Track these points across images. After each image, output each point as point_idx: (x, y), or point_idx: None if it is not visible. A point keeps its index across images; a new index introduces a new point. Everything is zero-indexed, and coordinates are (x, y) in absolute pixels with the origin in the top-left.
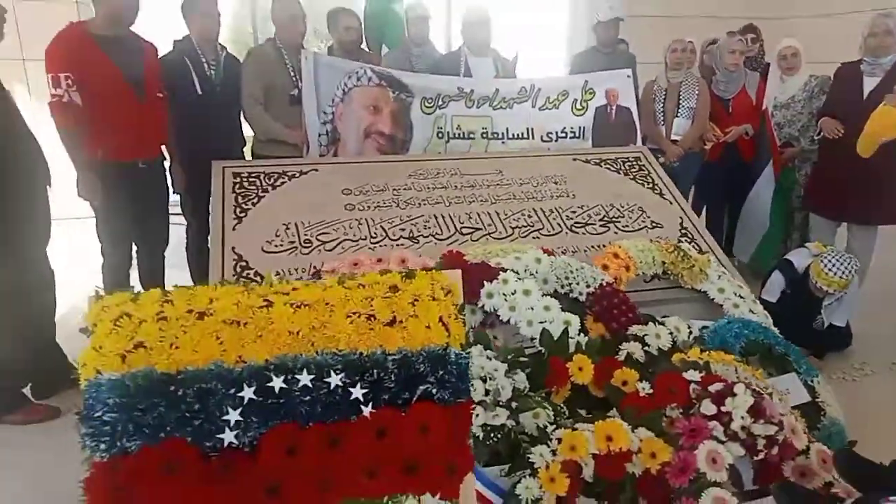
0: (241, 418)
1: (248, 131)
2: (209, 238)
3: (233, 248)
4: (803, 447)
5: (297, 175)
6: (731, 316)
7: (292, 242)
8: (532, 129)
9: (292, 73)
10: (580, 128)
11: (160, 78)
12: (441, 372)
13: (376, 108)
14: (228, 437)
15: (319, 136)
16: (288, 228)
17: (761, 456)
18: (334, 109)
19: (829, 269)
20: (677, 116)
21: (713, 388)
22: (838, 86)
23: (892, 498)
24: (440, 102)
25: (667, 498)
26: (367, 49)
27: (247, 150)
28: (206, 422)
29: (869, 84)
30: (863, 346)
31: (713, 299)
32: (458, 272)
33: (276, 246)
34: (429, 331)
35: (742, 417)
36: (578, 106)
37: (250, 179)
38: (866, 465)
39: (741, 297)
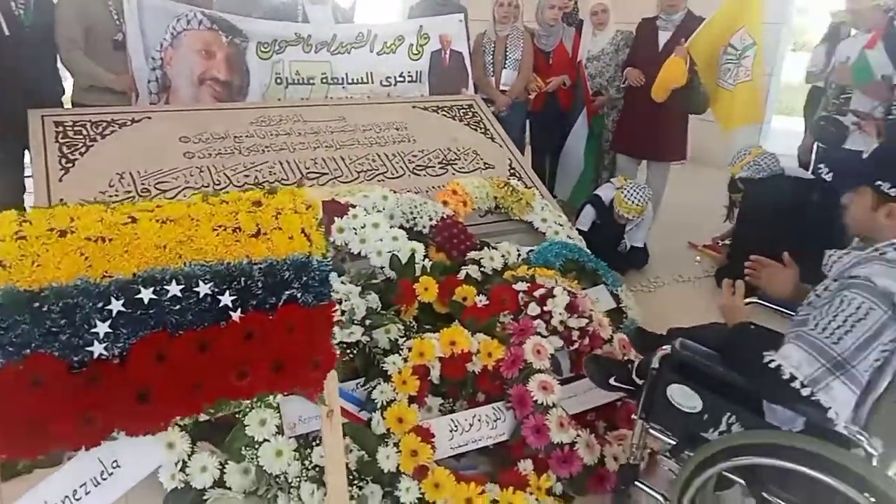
0: (110, 330)
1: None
2: (31, 192)
3: (61, 200)
4: (608, 337)
5: (129, 123)
6: (552, 240)
7: (128, 192)
8: (371, 74)
9: (115, 16)
10: (417, 72)
11: None
12: (305, 278)
13: (209, 52)
14: (98, 349)
15: (149, 82)
16: (123, 178)
17: (576, 346)
18: (163, 54)
19: (628, 198)
20: (505, 68)
21: (537, 293)
22: (638, 39)
23: (664, 347)
24: (277, 48)
25: (500, 389)
26: None
27: (66, 99)
28: (73, 336)
29: (663, 38)
30: (657, 264)
31: (537, 228)
32: (318, 191)
33: (110, 196)
34: (292, 241)
35: (560, 314)
36: (414, 51)
37: (75, 128)
38: (650, 335)
39: (560, 225)
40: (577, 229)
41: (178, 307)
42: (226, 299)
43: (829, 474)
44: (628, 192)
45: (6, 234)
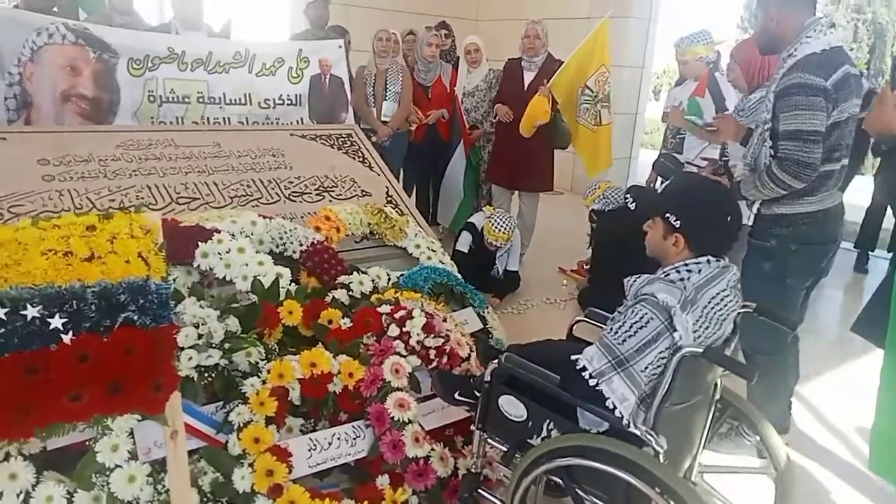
0: None
1: None
2: None
3: None
4: (466, 355)
5: None
6: (423, 265)
7: None
8: (250, 95)
9: None
10: (297, 95)
11: None
12: (142, 301)
13: (74, 68)
14: None
15: (6, 99)
16: None
17: (434, 364)
18: (21, 70)
19: (495, 226)
20: (385, 99)
21: (398, 314)
22: (506, 78)
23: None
24: (150, 64)
25: (361, 407)
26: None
27: None
28: None
29: (528, 77)
30: (529, 287)
31: (411, 254)
32: (158, 214)
33: None
34: (128, 265)
35: (418, 334)
36: (294, 74)
37: None
38: (493, 351)
39: (433, 251)
40: (459, 251)
41: (3, 330)
42: (56, 322)
43: (626, 471)
44: (495, 220)
45: None
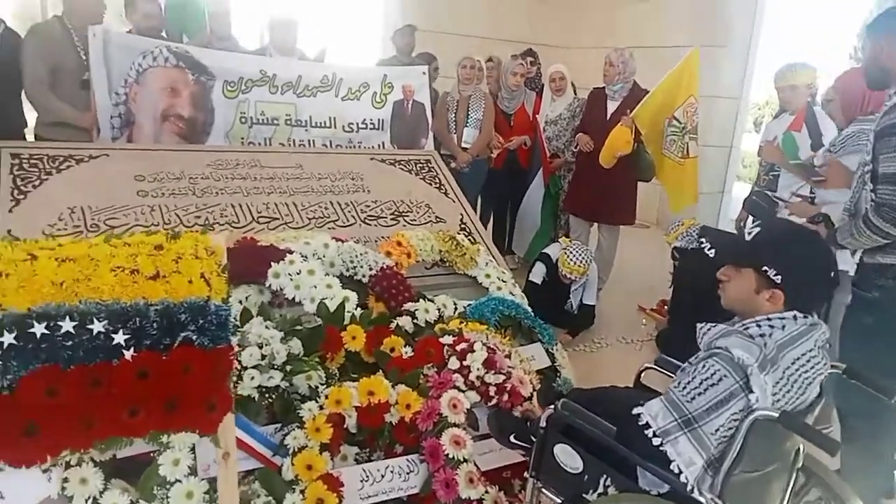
0: (0, 362)
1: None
2: None
3: (9, 231)
4: (528, 395)
5: (86, 159)
6: (492, 295)
7: (77, 226)
8: (335, 119)
9: (83, 56)
10: (379, 120)
11: None
12: (201, 321)
13: (174, 90)
14: None
15: (112, 118)
16: (73, 212)
17: (494, 401)
18: (127, 90)
19: (570, 259)
20: (466, 126)
21: (459, 347)
22: (589, 107)
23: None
24: (243, 87)
25: (417, 441)
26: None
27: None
28: None
29: (611, 107)
30: (605, 324)
31: (481, 283)
32: (223, 235)
33: (58, 229)
34: (191, 285)
35: (478, 369)
36: (378, 99)
37: (31, 161)
38: (552, 394)
39: (503, 281)
40: (531, 282)
41: (70, 343)
42: (119, 338)
43: None
44: (571, 252)
45: None
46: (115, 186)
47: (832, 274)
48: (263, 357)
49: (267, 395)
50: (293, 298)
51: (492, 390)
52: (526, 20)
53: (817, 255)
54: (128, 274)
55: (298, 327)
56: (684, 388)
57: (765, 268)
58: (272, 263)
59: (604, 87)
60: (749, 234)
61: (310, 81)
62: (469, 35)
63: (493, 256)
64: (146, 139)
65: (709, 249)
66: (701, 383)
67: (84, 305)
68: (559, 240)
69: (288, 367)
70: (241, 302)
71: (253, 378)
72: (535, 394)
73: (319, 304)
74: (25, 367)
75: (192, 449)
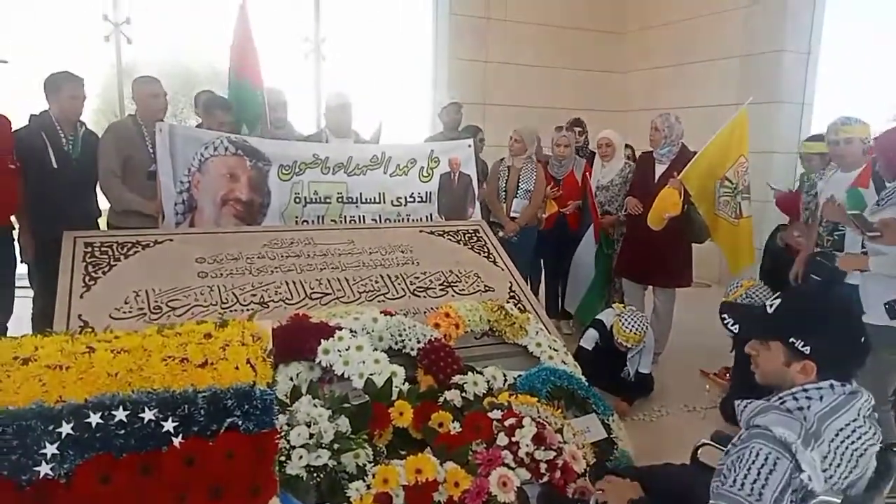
0: (57, 451)
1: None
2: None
3: (79, 316)
4: (582, 471)
5: (152, 245)
6: (542, 365)
7: (141, 309)
8: (383, 194)
9: (151, 150)
10: (427, 192)
11: (12, 150)
12: (247, 406)
13: (233, 175)
14: (44, 469)
15: (176, 204)
16: (138, 295)
17: (545, 479)
18: (191, 178)
19: (626, 327)
20: (516, 197)
21: (507, 422)
22: (638, 170)
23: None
24: (297, 170)
25: None
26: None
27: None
28: (23, 456)
29: (659, 170)
30: (665, 391)
31: (532, 352)
32: (269, 322)
33: (124, 312)
34: (237, 371)
35: (527, 445)
36: (425, 173)
37: (102, 249)
38: (600, 467)
39: (555, 350)
40: (582, 348)
41: (122, 432)
42: (168, 425)
43: None
44: (626, 320)
45: None
46: (177, 269)
47: (861, 339)
48: (311, 436)
49: (315, 475)
50: (342, 374)
51: (542, 467)
52: (573, 87)
53: (843, 321)
54: (178, 363)
55: (346, 404)
56: (742, 484)
57: (791, 339)
58: (322, 340)
59: (651, 151)
60: (771, 305)
61: (360, 161)
62: (518, 105)
63: (543, 324)
64: (207, 222)
65: (732, 325)
66: (759, 473)
67: (136, 395)
68: (612, 306)
69: (335, 446)
70: (291, 379)
71: (301, 457)
72: (588, 470)
73: (367, 380)
74: (81, 455)
75: None
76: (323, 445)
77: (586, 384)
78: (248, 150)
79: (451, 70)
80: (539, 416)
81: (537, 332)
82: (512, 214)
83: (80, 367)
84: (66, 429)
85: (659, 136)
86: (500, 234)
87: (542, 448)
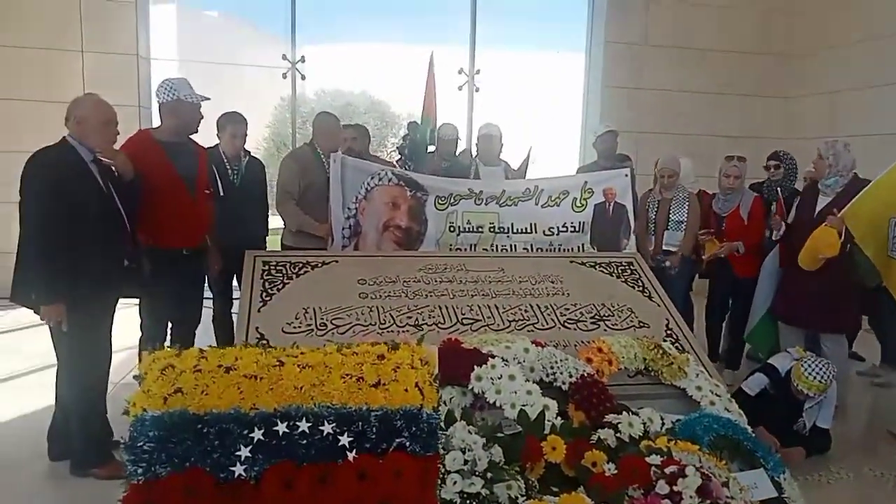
0: (250, 455)
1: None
2: (236, 318)
3: (256, 328)
4: None
5: (320, 265)
6: (704, 411)
7: (309, 325)
8: (535, 224)
9: (329, 176)
10: (580, 223)
11: (207, 178)
12: (414, 428)
13: (395, 204)
14: (238, 469)
15: (343, 228)
16: (307, 312)
17: None
18: (357, 205)
19: (809, 373)
20: (667, 229)
21: (668, 469)
22: (801, 203)
23: None
24: (452, 200)
25: None
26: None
27: (271, 241)
28: (222, 456)
29: (821, 202)
30: (844, 450)
31: (691, 396)
32: (436, 347)
33: (294, 327)
34: (406, 393)
35: (691, 497)
36: (578, 203)
37: (277, 267)
38: None
39: (717, 396)
40: (744, 392)
41: (305, 441)
42: (344, 439)
43: None
44: (809, 365)
45: (188, 367)
46: (341, 289)
47: None
48: (465, 462)
49: (468, 502)
50: (494, 402)
51: None
52: (733, 113)
53: None
54: (354, 381)
55: (500, 434)
56: None
57: None
58: (475, 367)
59: (816, 182)
60: None
61: (512, 193)
62: (672, 133)
63: (704, 367)
64: (370, 247)
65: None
66: None
67: (318, 408)
68: (789, 350)
69: (489, 475)
70: (445, 403)
71: (455, 483)
72: None
73: (520, 411)
74: (269, 460)
75: None
76: (477, 473)
77: (753, 436)
78: (409, 181)
79: (604, 97)
80: (702, 466)
81: (697, 375)
82: (664, 247)
83: (271, 378)
84: (257, 434)
85: (823, 166)
86: (667, 263)
87: (708, 502)
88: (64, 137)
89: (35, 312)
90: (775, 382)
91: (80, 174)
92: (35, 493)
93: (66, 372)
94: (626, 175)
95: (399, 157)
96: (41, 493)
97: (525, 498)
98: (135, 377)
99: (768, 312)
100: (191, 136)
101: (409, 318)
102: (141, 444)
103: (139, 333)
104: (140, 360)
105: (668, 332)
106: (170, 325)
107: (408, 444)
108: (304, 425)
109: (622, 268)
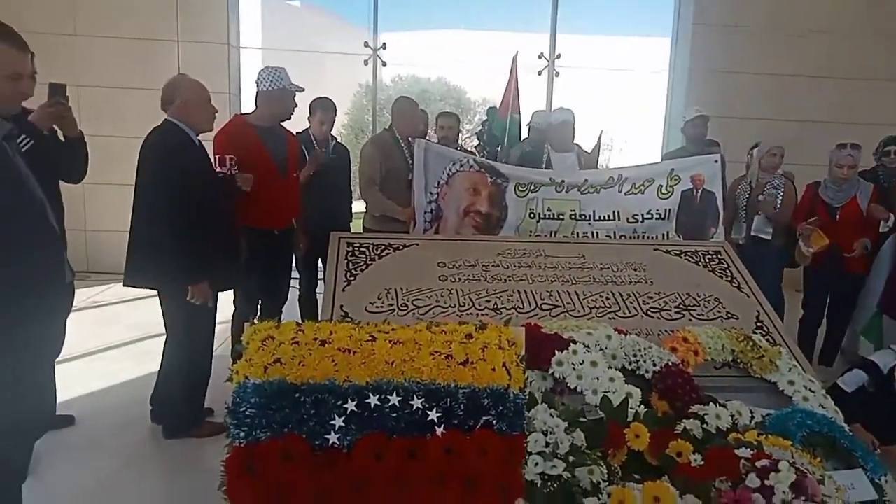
0: (343, 425)
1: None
2: (320, 297)
3: (341, 307)
4: None
5: (401, 248)
6: (796, 406)
7: (391, 305)
8: (618, 212)
9: (410, 162)
10: (666, 210)
11: (297, 163)
12: (501, 407)
13: (475, 190)
14: (332, 438)
15: (425, 213)
16: (389, 293)
17: None
18: (439, 190)
19: None
20: (758, 214)
21: (759, 463)
22: None
23: None
24: (532, 187)
25: None
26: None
27: (354, 225)
28: (317, 424)
29: None
30: None
31: (783, 390)
32: (522, 329)
33: (377, 307)
34: (494, 373)
35: (784, 492)
36: (664, 190)
37: (361, 249)
38: None
39: (811, 392)
40: (839, 387)
41: (395, 415)
42: (433, 415)
43: None
44: None
45: (286, 339)
46: (422, 271)
47: None
48: (547, 445)
49: (549, 484)
50: (575, 388)
51: None
52: (835, 97)
53: None
54: (443, 358)
55: (582, 419)
56: None
57: None
58: (556, 352)
59: None
60: None
61: (594, 182)
62: (763, 118)
63: (797, 361)
64: (450, 231)
65: None
66: None
67: (408, 383)
68: (891, 346)
69: (570, 458)
70: (526, 385)
71: (537, 464)
72: None
73: (602, 397)
74: (361, 431)
75: None
76: (559, 456)
77: (850, 434)
78: (489, 169)
79: (691, 81)
80: (794, 462)
81: (790, 369)
82: (753, 234)
83: (364, 352)
84: (350, 406)
85: None
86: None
87: (803, 498)
88: (167, 120)
89: (151, 289)
90: (875, 380)
91: (199, 156)
92: (142, 453)
93: (176, 343)
94: (717, 161)
95: (478, 142)
96: (147, 453)
97: (607, 483)
98: (232, 350)
99: (879, 307)
100: (281, 123)
101: (489, 301)
102: (243, 409)
103: (232, 309)
104: (232, 334)
105: (759, 323)
106: (259, 302)
107: (494, 422)
108: (394, 399)
109: (709, 257)
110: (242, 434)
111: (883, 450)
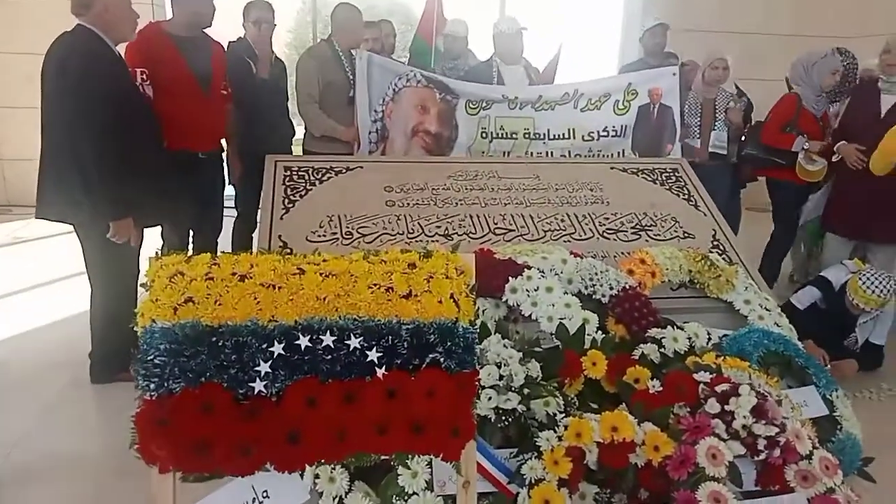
0: (270, 370)
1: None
2: (258, 227)
3: (279, 237)
4: (806, 452)
5: (344, 171)
6: (753, 326)
7: (334, 233)
8: (573, 130)
9: (349, 76)
10: (622, 126)
11: (224, 76)
12: (449, 343)
13: (424, 107)
14: (258, 385)
15: (370, 133)
16: (331, 220)
17: (762, 456)
18: (384, 108)
19: (867, 287)
20: (714, 129)
21: (719, 388)
22: (855, 103)
23: None
24: (484, 104)
25: (666, 489)
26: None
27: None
28: (240, 371)
29: (886, 102)
30: (894, 367)
31: (738, 310)
32: (472, 255)
33: (318, 236)
34: (440, 305)
35: (744, 417)
36: (620, 106)
37: (300, 173)
38: None
39: (767, 310)
40: (792, 305)
41: (329, 357)
42: (373, 355)
43: None
44: (868, 279)
45: (198, 274)
46: (367, 197)
47: None
48: (501, 377)
49: (503, 418)
50: (529, 315)
51: (761, 443)
52: (793, 7)
53: None
54: (383, 291)
55: (537, 348)
56: None
57: None
58: (510, 278)
59: (876, 80)
60: None
61: (549, 98)
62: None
63: (753, 280)
64: (397, 153)
65: None
66: None
67: (343, 321)
68: (844, 262)
69: (525, 391)
70: (478, 316)
71: (490, 398)
72: (815, 451)
73: (559, 325)
74: (291, 376)
75: (429, 463)
76: (513, 389)
77: (804, 352)
78: (438, 84)
79: None
80: (756, 386)
81: (746, 288)
82: (711, 150)
83: (290, 287)
84: (277, 349)
85: (891, 59)
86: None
87: (763, 422)
88: (79, 26)
89: (64, 223)
90: (828, 296)
91: (119, 69)
92: (67, 397)
93: (98, 286)
94: (675, 74)
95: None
96: (73, 397)
97: (563, 415)
98: (141, 284)
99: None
100: (205, 31)
101: (439, 227)
102: (152, 357)
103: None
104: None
105: (715, 242)
106: (191, 234)
107: (442, 360)
108: (328, 339)
109: (666, 174)
110: (153, 385)
111: (833, 365)
